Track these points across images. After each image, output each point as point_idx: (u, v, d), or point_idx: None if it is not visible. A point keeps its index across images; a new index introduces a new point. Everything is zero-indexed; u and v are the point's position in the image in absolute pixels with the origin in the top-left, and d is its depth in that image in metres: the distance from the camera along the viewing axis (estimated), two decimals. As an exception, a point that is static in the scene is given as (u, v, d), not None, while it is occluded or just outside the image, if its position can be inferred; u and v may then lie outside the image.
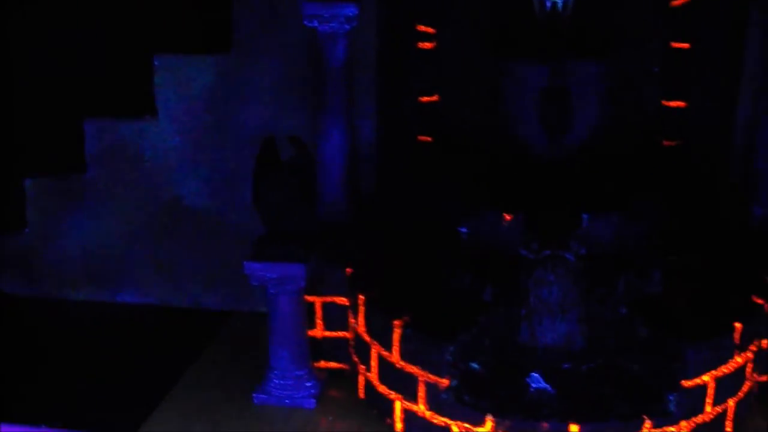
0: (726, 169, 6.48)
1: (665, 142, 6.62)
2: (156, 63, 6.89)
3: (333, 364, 6.11)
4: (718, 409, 5.31)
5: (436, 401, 5.17)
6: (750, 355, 5.40)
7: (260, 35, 6.65)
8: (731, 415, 5.39)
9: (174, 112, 6.96)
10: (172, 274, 7.28)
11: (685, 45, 6.46)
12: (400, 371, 5.31)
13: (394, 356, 5.32)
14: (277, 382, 5.90)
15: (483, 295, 5.68)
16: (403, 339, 5.26)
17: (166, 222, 7.18)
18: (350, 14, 6.06)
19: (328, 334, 6.06)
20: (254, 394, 5.94)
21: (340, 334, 5.99)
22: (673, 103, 6.57)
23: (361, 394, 5.79)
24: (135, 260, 7.30)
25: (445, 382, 5.12)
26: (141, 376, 6.23)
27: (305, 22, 6.10)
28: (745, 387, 5.48)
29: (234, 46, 6.73)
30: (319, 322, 6.05)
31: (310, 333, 6.02)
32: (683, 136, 6.56)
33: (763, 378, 5.88)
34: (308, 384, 5.92)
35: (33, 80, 7.46)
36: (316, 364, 6.07)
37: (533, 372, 5.22)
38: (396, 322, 5.29)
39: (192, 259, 7.23)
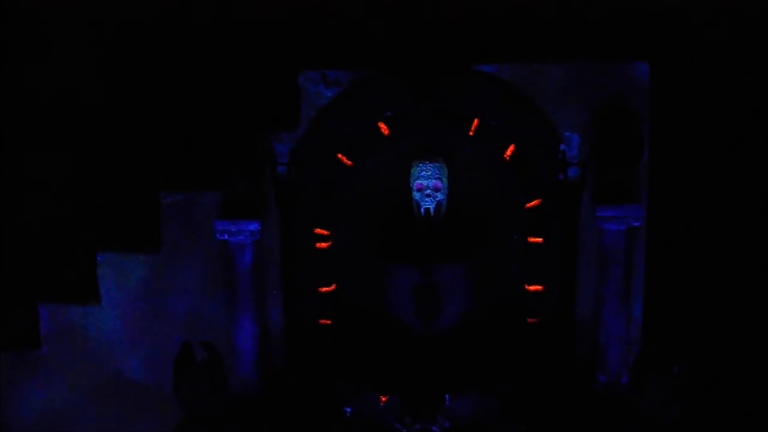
0: (573, 343, 8.38)
1: (529, 320, 8.51)
2: (99, 259, 8.81)
3: None
4: None
5: None
6: None
7: (184, 239, 8.59)
8: None
9: (115, 299, 8.85)
10: (118, 437, 9.16)
11: (539, 239, 8.38)
12: None
13: None
14: None
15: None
16: None
17: (110, 392, 9.04)
18: (254, 229, 8.02)
19: (241, 495, 7.91)
20: None
21: (251, 496, 7.84)
22: (533, 287, 8.46)
23: None
24: (84, 424, 9.15)
25: None
26: None
27: (217, 236, 8.06)
28: None
29: (162, 247, 8.67)
30: (234, 486, 7.90)
31: (227, 495, 7.87)
32: (542, 314, 8.45)
33: None
34: None
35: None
36: None
37: None
38: (285, 501, 7.19)
39: (134, 424, 9.10)
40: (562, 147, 8.06)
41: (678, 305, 8.83)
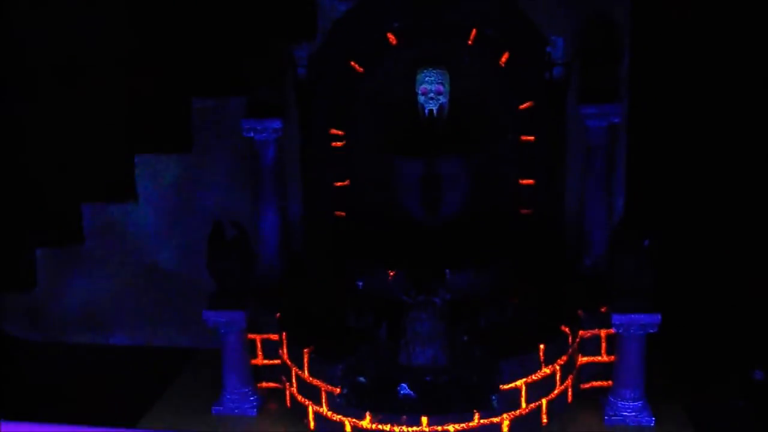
0: (563, 231, 9.67)
1: (522, 211, 9.79)
2: (136, 160, 10.13)
3: (271, 384, 9.22)
4: (533, 405, 8.45)
5: (333, 404, 8.35)
6: (557, 367, 8.56)
7: (213, 139, 9.88)
8: (545, 410, 8.54)
9: (151, 197, 10.16)
10: (153, 321, 10.45)
11: (531, 137, 9.64)
12: (310, 384, 8.51)
13: (306, 374, 8.53)
14: (228, 397, 9.00)
15: (380, 330, 8.81)
16: (310, 362, 8.47)
17: (147, 281, 10.38)
18: (277, 126, 9.30)
19: (266, 362, 9.20)
20: (213, 407, 9.11)
21: (275, 361, 9.16)
22: (525, 181, 9.74)
23: (288, 403, 8.98)
24: (123, 311, 10.48)
25: (337, 390, 8.31)
26: (128, 397, 9.37)
27: (244, 134, 9.35)
28: (557, 390, 8.63)
29: (194, 147, 9.98)
30: (259, 353, 9.20)
31: (253, 361, 9.15)
32: (534, 206, 9.73)
33: (587, 385, 9.08)
34: (252, 398, 9.03)
35: (43, 173, 10.79)
36: (258, 385, 9.21)
37: (402, 383, 8.36)
38: (305, 350, 8.51)
39: (168, 309, 10.42)
40: (548, 49, 9.30)
41: (655, 196, 10.11)
